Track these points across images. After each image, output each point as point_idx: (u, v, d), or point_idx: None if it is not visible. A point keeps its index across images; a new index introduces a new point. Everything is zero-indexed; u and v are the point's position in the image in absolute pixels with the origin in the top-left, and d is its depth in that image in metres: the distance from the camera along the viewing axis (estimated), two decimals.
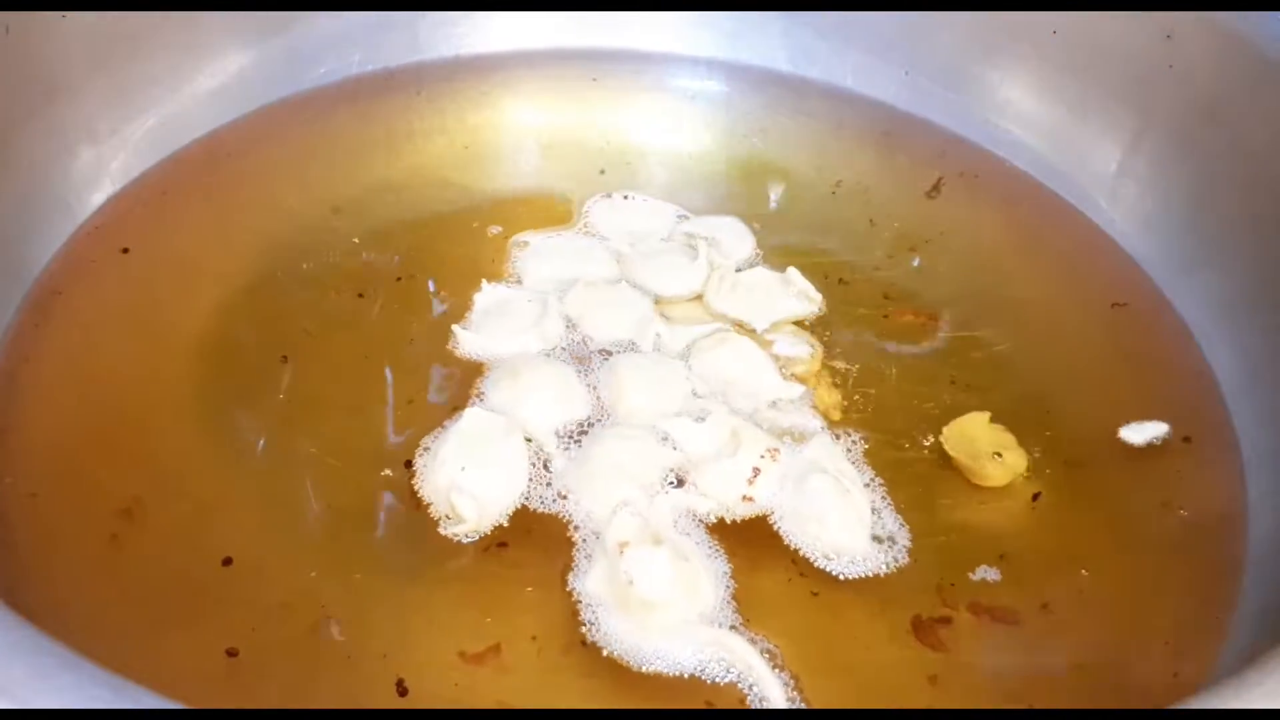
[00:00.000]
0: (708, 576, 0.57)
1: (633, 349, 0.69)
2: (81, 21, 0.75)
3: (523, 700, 0.53)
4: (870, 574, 0.58)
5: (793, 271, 0.75)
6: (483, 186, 0.83)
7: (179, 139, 0.83)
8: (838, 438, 0.65)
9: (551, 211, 0.81)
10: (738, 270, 0.76)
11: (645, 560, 0.55)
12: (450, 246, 0.77)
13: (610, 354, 0.68)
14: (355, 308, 0.72)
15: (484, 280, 0.72)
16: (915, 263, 0.78)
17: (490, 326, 0.70)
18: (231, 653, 0.53)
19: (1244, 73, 0.74)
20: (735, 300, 0.74)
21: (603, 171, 0.85)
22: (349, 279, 0.74)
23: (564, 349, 0.69)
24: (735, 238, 0.79)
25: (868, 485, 0.62)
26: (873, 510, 0.61)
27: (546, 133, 0.89)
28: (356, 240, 0.77)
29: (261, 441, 0.64)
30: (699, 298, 0.74)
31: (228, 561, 0.57)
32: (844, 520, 0.59)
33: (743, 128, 0.91)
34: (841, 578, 0.58)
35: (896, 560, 0.59)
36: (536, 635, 0.55)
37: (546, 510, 0.59)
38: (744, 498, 0.60)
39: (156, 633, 0.54)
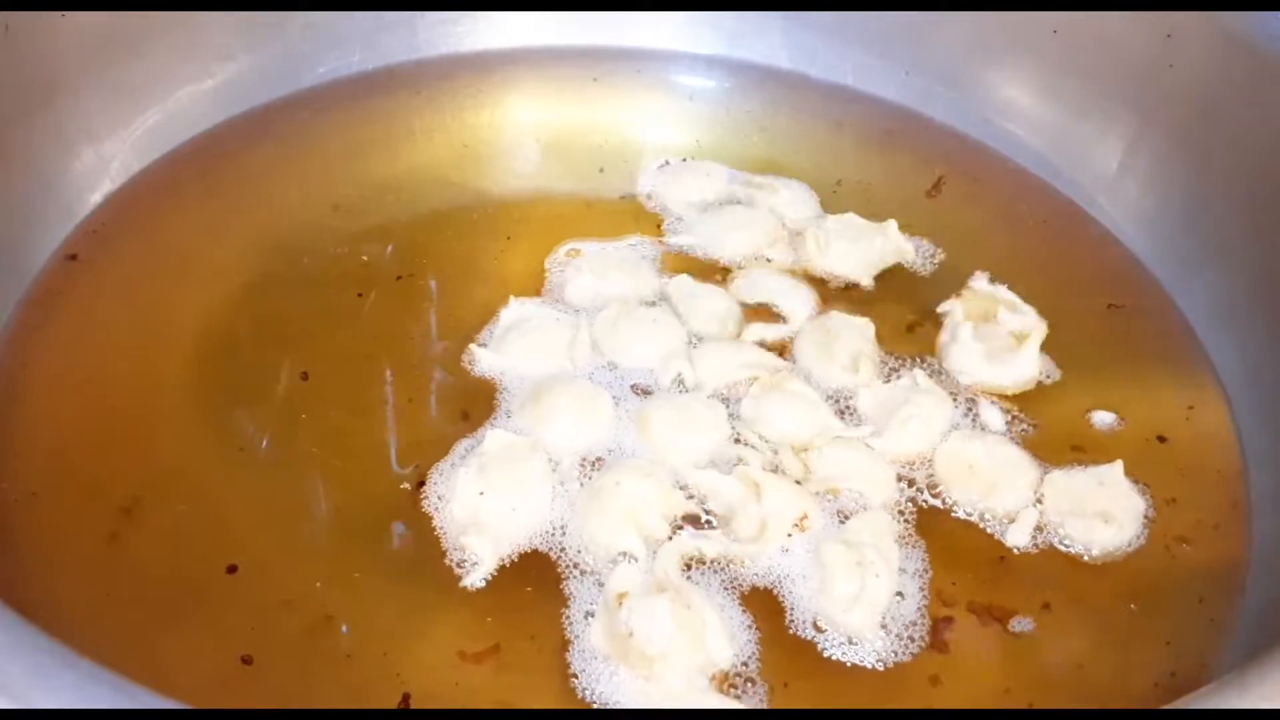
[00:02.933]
0: (714, 623, 0.54)
1: (655, 382, 0.66)
2: (81, 21, 0.75)
3: (522, 700, 0.53)
4: (857, 663, 0.54)
5: (891, 225, 0.77)
6: (482, 185, 0.83)
7: (178, 138, 0.83)
8: (901, 512, 0.61)
9: (551, 209, 0.81)
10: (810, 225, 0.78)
11: (644, 610, 0.53)
12: (450, 245, 0.77)
13: (643, 388, 0.66)
14: (355, 306, 0.72)
15: (511, 297, 0.71)
16: (916, 262, 0.78)
17: (513, 345, 0.68)
18: (246, 660, 0.53)
19: (1244, 73, 0.74)
20: (836, 254, 0.75)
21: (602, 170, 0.85)
22: (348, 278, 0.74)
23: (590, 374, 0.67)
24: (798, 198, 0.81)
25: (906, 571, 0.58)
26: (899, 595, 0.57)
27: (546, 131, 0.89)
28: (356, 239, 0.77)
29: (261, 441, 0.64)
30: (763, 260, 0.76)
31: (232, 569, 0.57)
32: (847, 597, 0.55)
33: (743, 126, 0.91)
34: (827, 656, 0.54)
35: (893, 659, 0.55)
36: (535, 635, 0.55)
37: (539, 547, 0.58)
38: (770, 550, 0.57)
39: (156, 632, 0.54)
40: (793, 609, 0.56)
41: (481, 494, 0.59)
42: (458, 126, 0.88)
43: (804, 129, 0.91)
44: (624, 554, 0.57)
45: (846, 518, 0.60)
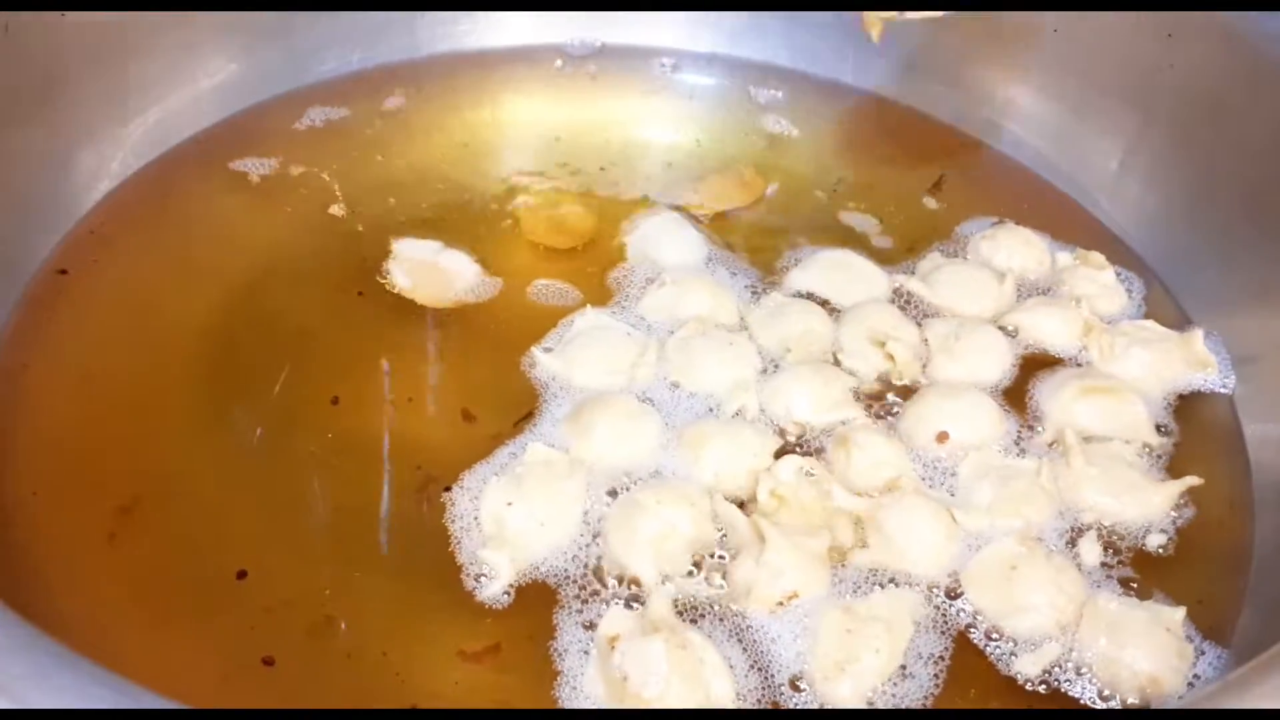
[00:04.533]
0: (714, 662, 0.52)
1: (717, 409, 0.64)
2: (81, 21, 0.75)
3: (522, 700, 0.53)
4: None
5: (1197, 334, 0.70)
6: (482, 184, 0.83)
7: (177, 137, 0.83)
8: (934, 598, 0.56)
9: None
10: (1112, 321, 0.72)
11: (637, 653, 0.51)
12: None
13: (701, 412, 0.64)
14: (355, 306, 0.72)
15: (589, 305, 0.70)
16: (918, 260, 0.78)
17: (576, 353, 0.66)
18: (268, 661, 0.53)
19: (1244, 73, 0.74)
20: (1126, 362, 0.69)
21: (603, 169, 0.85)
22: (349, 277, 0.74)
23: (647, 392, 0.65)
24: (1109, 291, 0.75)
25: (922, 657, 0.54)
26: (896, 677, 0.53)
27: (546, 129, 0.89)
28: (357, 238, 0.77)
29: (261, 441, 0.64)
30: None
31: (239, 572, 0.57)
32: (833, 666, 0.52)
33: (743, 124, 0.91)
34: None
35: None
36: (535, 635, 0.55)
37: (556, 559, 0.57)
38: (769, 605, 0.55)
39: (156, 632, 0.54)
40: (771, 662, 0.54)
41: (510, 504, 0.58)
42: (458, 125, 0.88)
43: (805, 127, 0.91)
44: (627, 579, 0.56)
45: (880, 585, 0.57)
